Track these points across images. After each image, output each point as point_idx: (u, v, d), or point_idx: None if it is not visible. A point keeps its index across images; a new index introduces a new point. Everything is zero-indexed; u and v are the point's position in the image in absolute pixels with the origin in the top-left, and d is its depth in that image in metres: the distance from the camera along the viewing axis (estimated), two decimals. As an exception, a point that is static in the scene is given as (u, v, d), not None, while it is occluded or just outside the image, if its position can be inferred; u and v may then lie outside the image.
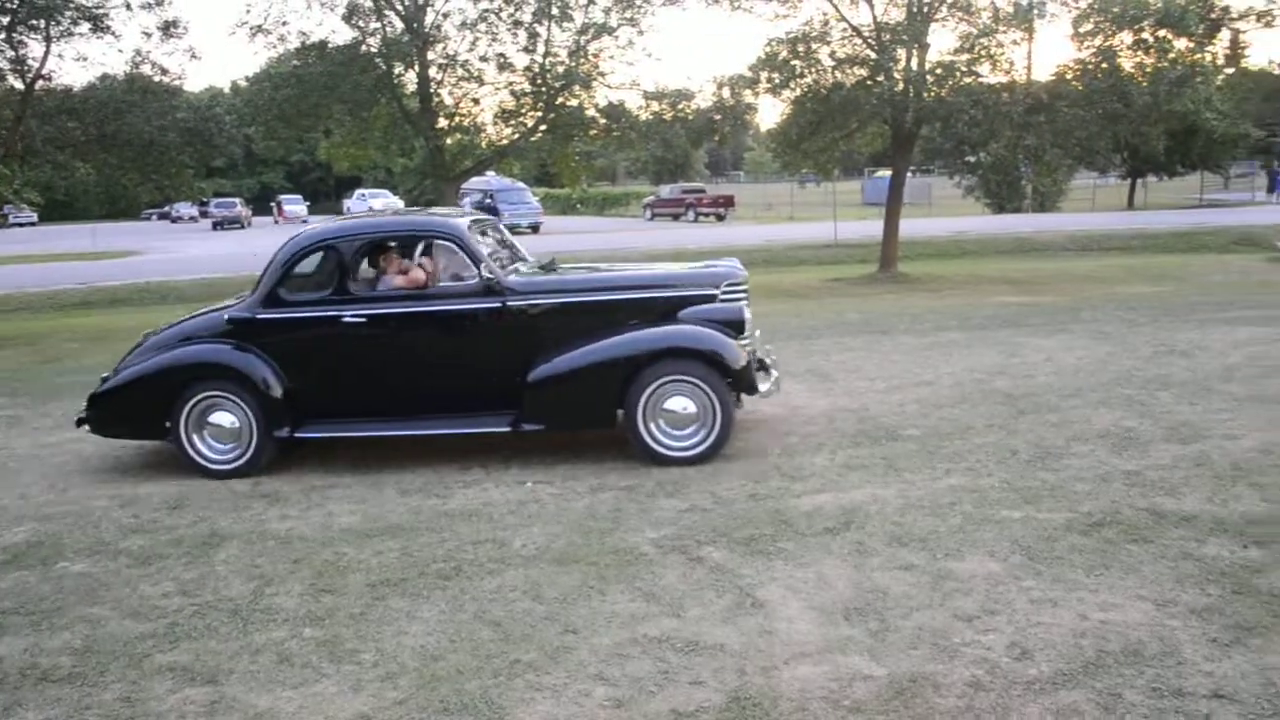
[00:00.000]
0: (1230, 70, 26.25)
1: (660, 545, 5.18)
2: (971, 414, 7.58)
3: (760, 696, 3.66)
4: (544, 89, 17.68)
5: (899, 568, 4.76)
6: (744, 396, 6.93)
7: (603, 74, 18.17)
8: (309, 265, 7.21)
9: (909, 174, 24.60)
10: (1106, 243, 27.18)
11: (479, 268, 6.88)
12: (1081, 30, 18.81)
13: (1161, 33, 18.65)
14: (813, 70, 18.93)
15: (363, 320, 6.87)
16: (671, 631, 4.19)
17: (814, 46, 18.74)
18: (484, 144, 19.14)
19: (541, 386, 6.74)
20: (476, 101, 18.59)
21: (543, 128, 18.28)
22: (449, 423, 6.93)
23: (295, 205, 57.70)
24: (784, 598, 4.48)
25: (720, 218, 45.53)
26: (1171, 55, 19.17)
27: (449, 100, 18.31)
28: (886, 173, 26.39)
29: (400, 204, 52.66)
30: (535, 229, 38.40)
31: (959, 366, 9.53)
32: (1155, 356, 9.65)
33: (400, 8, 17.24)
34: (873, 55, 18.18)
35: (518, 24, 17.29)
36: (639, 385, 6.59)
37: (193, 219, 62.21)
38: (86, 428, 7.16)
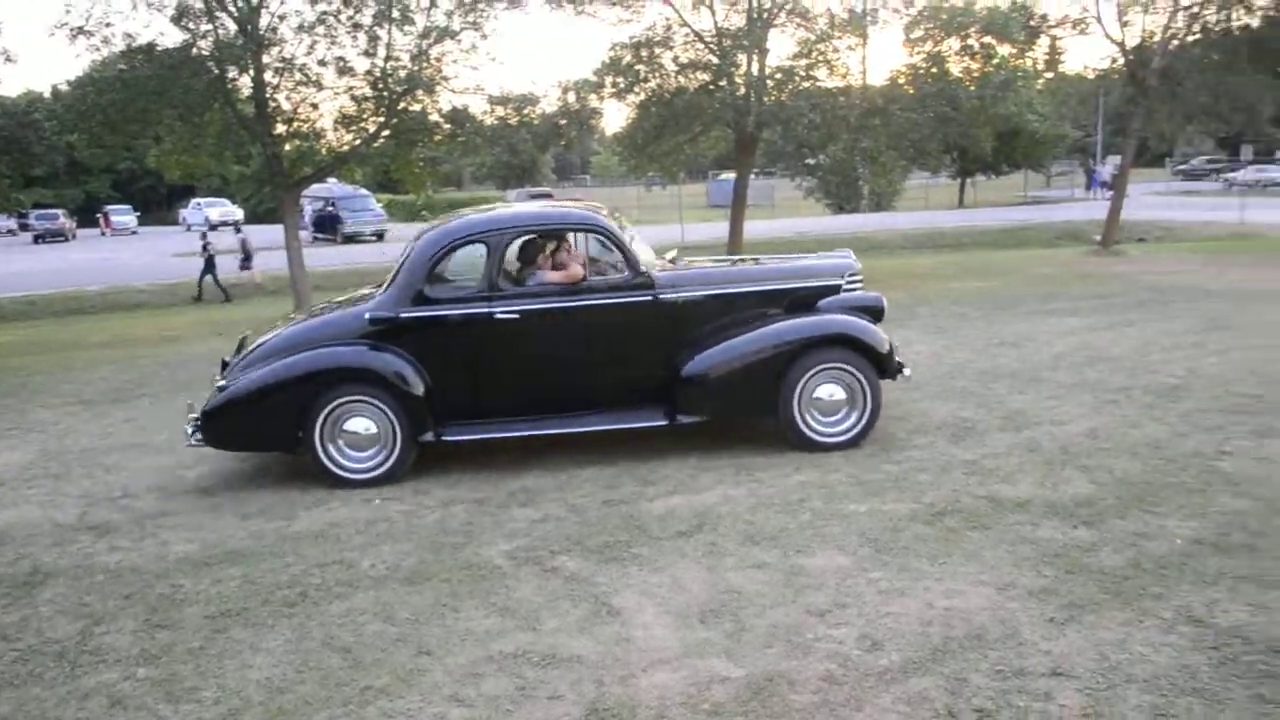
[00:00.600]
0: (1049, 75, 27.62)
1: (514, 557, 5.11)
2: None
3: (619, 706, 3.63)
4: (386, 94, 17.29)
5: (752, 566, 4.81)
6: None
7: (446, 78, 17.89)
8: (454, 261, 6.87)
9: (752, 176, 25.09)
10: (940, 240, 28.33)
11: (630, 261, 6.79)
12: (912, 36, 19.58)
13: (986, 39, 19.57)
14: (656, 75, 19.10)
15: (516, 316, 6.62)
16: (528, 646, 4.13)
17: (657, 51, 18.90)
18: (324, 150, 18.61)
19: (699, 378, 6.69)
20: (315, 107, 18.04)
21: (385, 133, 17.88)
22: (601, 419, 6.75)
23: (123, 216, 54.94)
24: (640, 604, 4.47)
25: (569, 222, 45.46)
26: (996, 60, 20.13)
27: (286, 105, 17.72)
28: (731, 175, 26.85)
29: (239, 213, 50.69)
30: (380, 237, 37.60)
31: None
32: (988, 349, 10.08)
33: (233, 9, 16.61)
34: (715, 60, 18.45)
35: (357, 27, 16.86)
36: (795, 373, 6.65)
37: (11, 232, 58.57)
38: (196, 440, 6.59)
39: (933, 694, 3.59)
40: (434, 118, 18.08)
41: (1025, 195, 50.15)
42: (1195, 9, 22.14)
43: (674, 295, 6.83)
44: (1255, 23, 21.98)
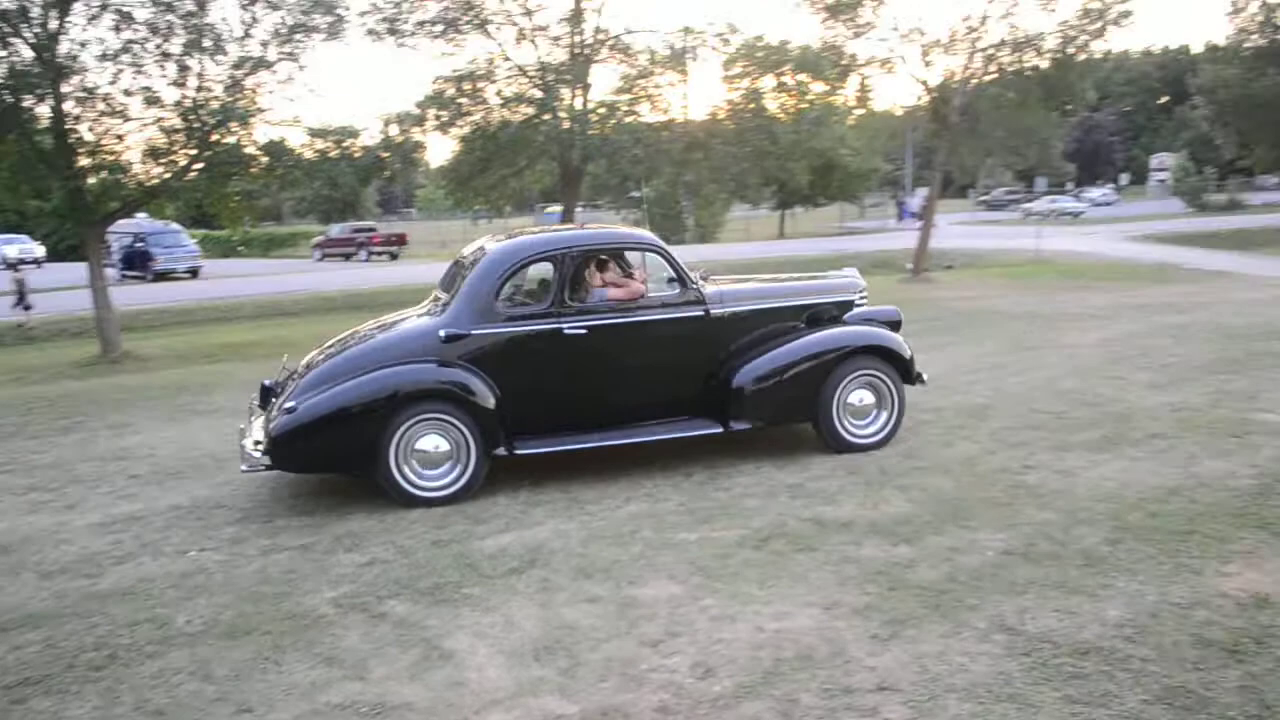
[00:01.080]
0: (860, 111, 28.91)
1: (340, 604, 4.93)
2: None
3: (451, 752, 3.54)
4: (197, 125, 16.64)
5: (585, 600, 4.79)
6: None
7: (262, 110, 17.36)
8: (521, 278, 7.01)
9: (579, 209, 25.26)
10: (762, 269, 29.03)
11: (685, 278, 7.12)
12: (731, 73, 20.19)
13: (801, 77, 20.36)
14: (480, 108, 19.06)
15: (583, 332, 6.78)
16: (356, 696, 3.99)
17: (480, 85, 18.87)
18: (132, 184, 17.74)
19: (749, 387, 7.03)
20: (121, 138, 17.19)
21: (197, 166, 17.18)
22: (660, 429, 7.00)
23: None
24: (472, 645, 4.38)
25: (393, 256, 44.70)
26: (810, 97, 20.96)
27: (90, 136, 16.83)
28: (557, 208, 26.96)
29: (41, 250, 47.61)
30: (194, 274, 36.02)
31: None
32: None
33: (29, 35, 15.67)
34: (539, 94, 18.55)
35: (166, 56, 16.14)
36: (833, 380, 7.16)
37: None
38: (256, 466, 6.43)
39: (765, 717, 3.65)
40: (250, 150, 17.49)
41: (841, 226, 52.24)
42: (991, 51, 23.60)
43: (722, 310, 7.20)
44: (1045, 64, 23.59)
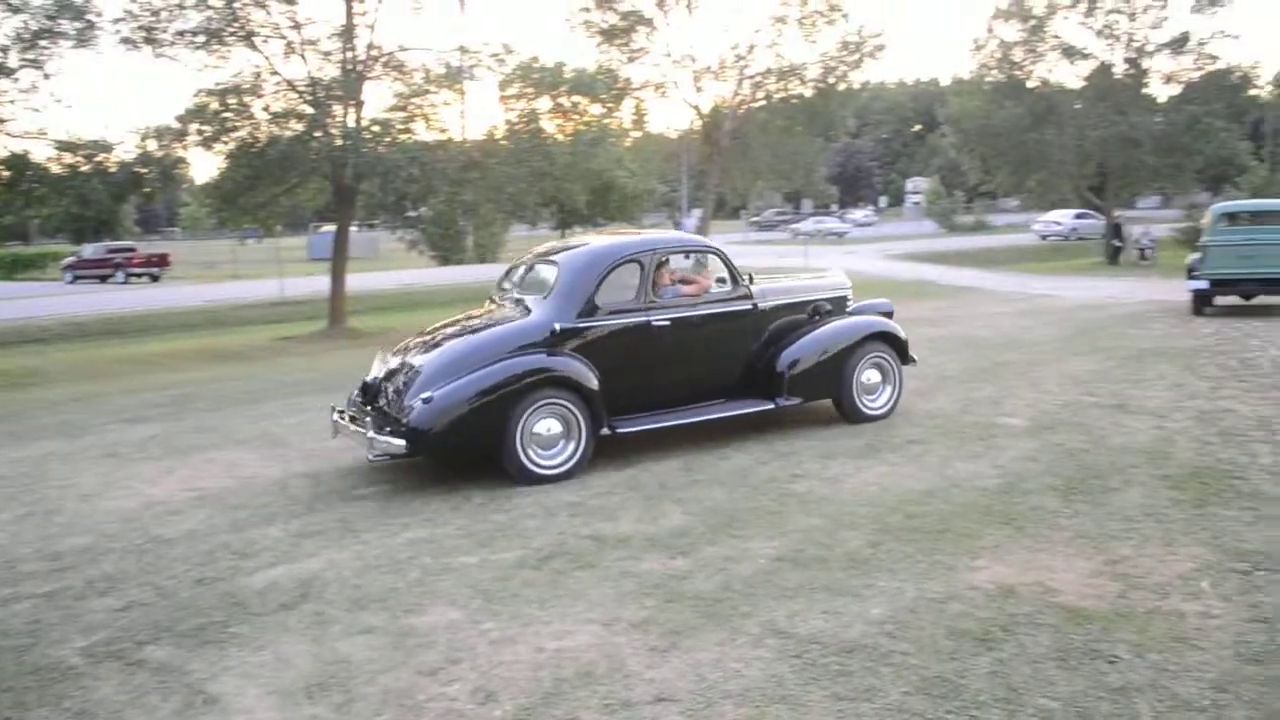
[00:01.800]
0: (637, 134, 29.54)
1: (92, 654, 4.57)
2: (424, 465, 7.64)
3: (214, 801, 3.34)
4: (-77, 138, 15.24)
5: (361, 632, 4.64)
6: None
7: (2, 120, 16.05)
8: (614, 276, 7.65)
9: (354, 228, 24.62)
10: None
11: (737, 277, 8.26)
12: (507, 93, 20.16)
13: (576, 98, 20.57)
14: (247, 123, 18.26)
15: (667, 323, 7.75)
16: (106, 749, 3.71)
17: (247, 99, 18.09)
18: None
19: (793, 368, 8.18)
20: None
21: (-77, 182, 15.74)
22: (723, 408, 8.04)
23: None
24: (240, 687, 4.16)
25: (155, 278, 42.20)
26: (586, 119, 21.21)
27: None
28: (332, 227, 26.19)
29: None
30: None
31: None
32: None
33: None
34: (309, 110, 17.96)
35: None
36: (853, 361, 8.47)
37: None
38: (383, 456, 6.91)
39: (545, 738, 3.62)
40: (-13, 165, 16.15)
41: (621, 246, 53.00)
42: (759, 79, 24.66)
43: (765, 304, 8.39)
44: (809, 93, 24.84)
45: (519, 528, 6.01)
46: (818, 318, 8.69)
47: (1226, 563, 5.00)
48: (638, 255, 7.80)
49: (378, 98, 19.92)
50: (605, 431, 7.32)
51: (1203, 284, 16.37)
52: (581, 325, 7.44)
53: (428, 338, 7.83)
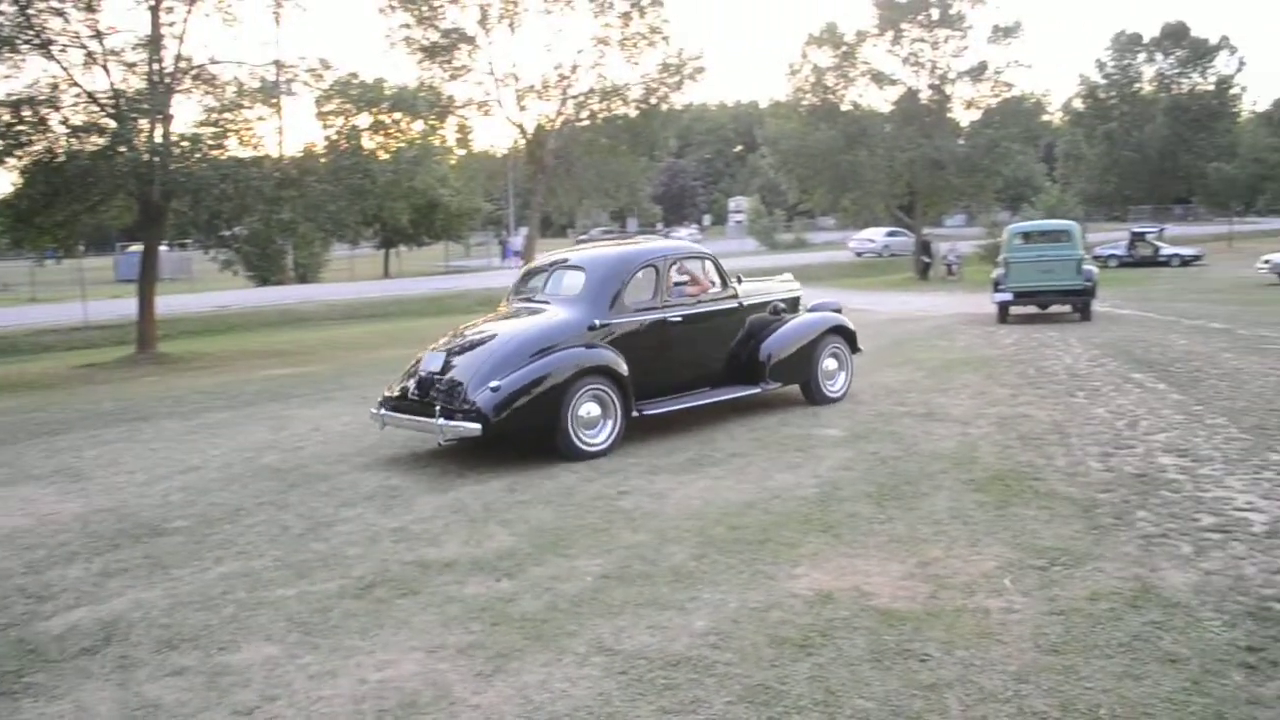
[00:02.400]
0: (461, 152, 29.26)
1: None
2: (242, 495, 7.36)
3: None
4: None
5: (170, 674, 4.40)
6: None
7: None
8: (636, 279, 8.84)
9: (165, 248, 23.49)
10: (367, 310, 28.59)
11: (726, 279, 9.65)
12: (325, 110, 19.65)
13: (398, 115, 20.22)
14: (43, 137, 17.18)
15: (680, 319, 9.03)
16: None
17: (43, 111, 17.01)
18: None
19: (773, 358, 9.56)
20: None
21: None
22: (721, 392, 9.34)
23: None
24: (31, 739, 3.88)
25: (-59, 303, 39.24)
26: (409, 136, 20.88)
27: None
28: (139, 247, 24.92)
29: None
30: None
31: (227, 447, 9.23)
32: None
33: None
34: (112, 124, 17.04)
35: None
36: (819, 351, 10.02)
37: None
38: (471, 434, 7.61)
39: (367, 773, 3.52)
40: None
41: (447, 265, 52.42)
42: (582, 99, 24.82)
43: (746, 302, 9.76)
44: (632, 113, 25.16)
45: (340, 556, 5.83)
46: (780, 315, 10.04)
47: (1026, 560, 5.29)
48: (653, 260, 9.06)
49: (187, 112, 19.14)
50: (634, 414, 8.39)
51: (1007, 295, 18.57)
52: (613, 321, 8.55)
53: (463, 338, 8.65)
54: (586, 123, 25.20)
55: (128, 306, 23.07)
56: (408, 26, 23.53)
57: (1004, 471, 7.13)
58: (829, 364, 10.14)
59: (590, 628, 4.62)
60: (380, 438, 9.17)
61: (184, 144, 17.60)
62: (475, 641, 4.54)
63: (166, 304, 22.65)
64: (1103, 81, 78.37)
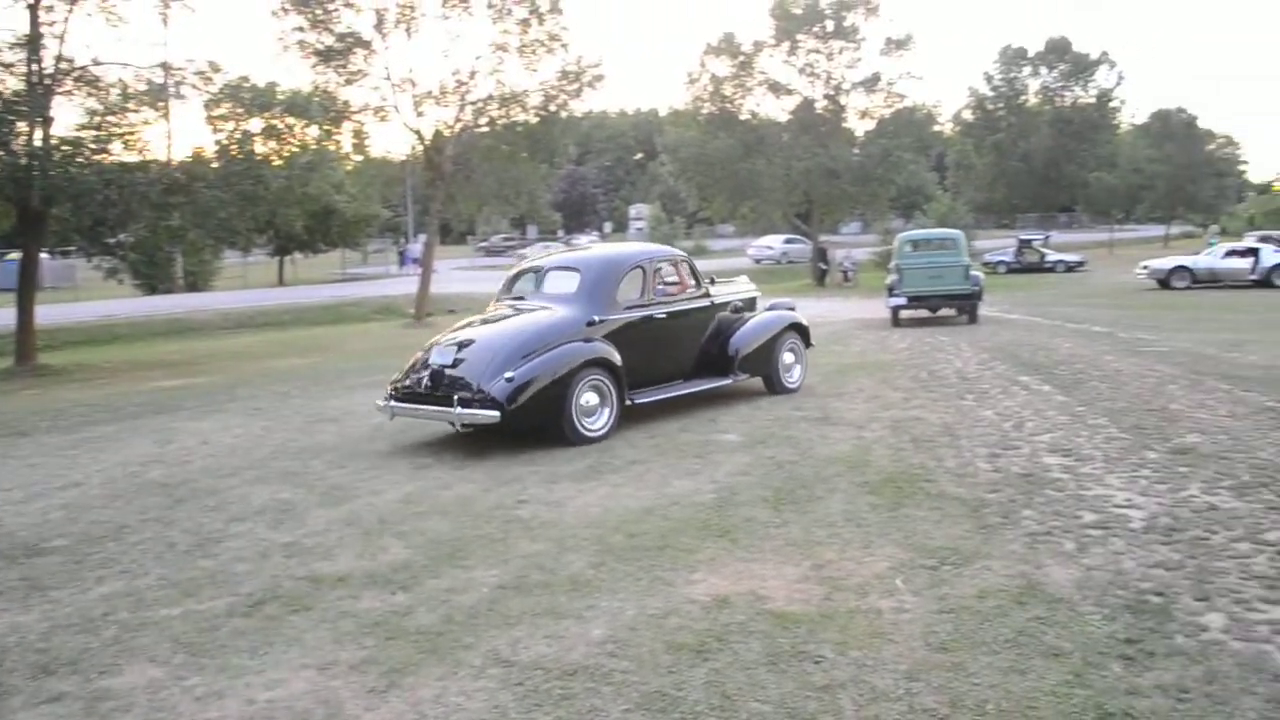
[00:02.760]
0: (358, 158, 28.79)
1: None
2: (126, 511, 7.10)
3: None
4: None
5: (47, 701, 4.21)
6: None
7: None
8: (627, 279, 9.64)
9: (47, 256, 22.61)
10: (261, 319, 27.93)
11: (700, 280, 10.54)
12: (215, 114, 19.15)
13: (291, 120, 19.81)
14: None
15: (665, 315, 9.87)
16: None
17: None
18: None
19: (741, 352, 10.48)
20: None
21: None
22: (699, 383, 10.20)
23: None
24: (-108, 774, 3.68)
25: None
26: (303, 142, 20.47)
27: None
28: (17, 255, 23.92)
29: None
30: None
31: (111, 461, 8.91)
32: (308, 426, 10.09)
33: None
34: (-13, 127, 16.34)
35: None
36: (779, 345, 10.96)
37: None
38: (490, 421, 8.22)
39: (254, 796, 3.42)
40: None
41: (344, 272, 51.53)
42: (481, 105, 24.62)
43: (718, 300, 10.70)
44: (532, 120, 25.04)
45: (228, 573, 5.67)
46: (740, 314, 10.97)
47: (917, 560, 5.40)
48: (641, 263, 9.95)
49: (69, 115, 18.42)
50: (627, 402, 9.12)
51: (901, 300, 19.70)
52: (608, 318, 9.30)
53: (468, 334, 9.20)
54: (485, 129, 25.01)
55: (5, 317, 22.13)
56: (301, 30, 23.02)
57: (896, 474, 7.28)
58: (787, 358, 11.08)
59: (486, 639, 4.57)
60: (272, 450, 8.96)
61: (65, 148, 16.98)
62: (368, 657, 4.45)
63: (48, 314, 21.78)
64: (990, 94, 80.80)
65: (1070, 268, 39.94)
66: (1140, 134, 70.39)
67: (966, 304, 19.64)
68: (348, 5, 23.15)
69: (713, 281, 10.96)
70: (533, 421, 8.56)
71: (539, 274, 10.12)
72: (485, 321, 9.56)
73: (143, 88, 17.91)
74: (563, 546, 5.85)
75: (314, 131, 21.57)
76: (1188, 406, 9.42)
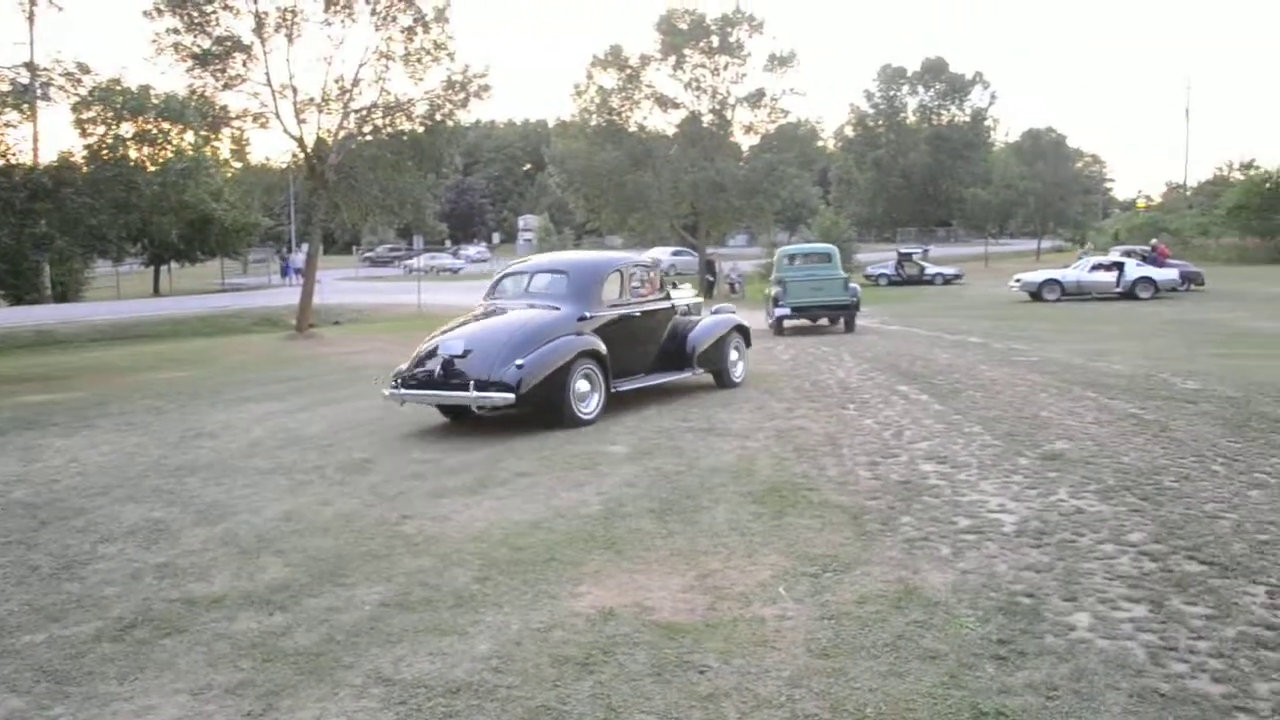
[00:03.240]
0: (237, 165, 28.01)
1: None
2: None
3: None
4: None
5: (-107, 735, 3.99)
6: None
7: None
8: (609, 281, 11.10)
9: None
10: (135, 330, 26.95)
11: (663, 285, 12.16)
12: (85, 117, 18.40)
13: (166, 125, 19.17)
14: None
15: (639, 314, 11.29)
16: None
17: None
18: None
19: (697, 349, 11.85)
20: None
21: None
22: (662, 375, 11.59)
23: None
24: None
25: None
26: (179, 147, 19.82)
27: None
28: None
29: None
30: None
31: (-31, 481, 8.47)
32: (183, 442, 9.76)
33: None
34: None
35: None
36: (726, 344, 12.42)
37: None
38: (505, 404, 9.55)
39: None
40: None
41: (223, 283, 50.11)
42: (365, 113, 24.21)
43: (677, 303, 12.22)
44: (418, 129, 24.72)
45: (96, 597, 5.44)
46: (690, 317, 12.41)
47: (800, 568, 5.50)
48: (619, 267, 11.40)
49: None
50: (613, 389, 10.38)
51: (786, 311, 20.92)
52: (596, 314, 10.63)
53: (470, 329, 10.41)
54: (370, 138, 24.60)
55: None
56: (176, 32, 22.30)
57: (780, 483, 7.39)
58: (733, 355, 12.55)
59: (368, 658, 4.48)
60: (144, 468, 8.65)
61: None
62: (245, 680, 4.32)
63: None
64: (871, 111, 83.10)
65: (948, 280, 41.20)
66: (1013, 152, 73.15)
67: (846, 314, 20.86)
68: (226, 8, 22.52)
69: (675, 286, 12.83)
70: (538, 403, 9.76)
71: (525, 276, 11.51)
72: (482, 317, 10.77)
73: (5, 88, 17.15)
74: (447, 562, 5.78)
75: (190, 137, 20.89)
76: (1057, 414, 9.80)
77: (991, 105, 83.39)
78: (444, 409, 10.44)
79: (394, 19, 23.67)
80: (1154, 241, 38.64)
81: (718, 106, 37.19)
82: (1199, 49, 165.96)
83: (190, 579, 5.66)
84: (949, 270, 42.50)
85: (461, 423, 10.44)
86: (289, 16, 22.93)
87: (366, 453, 8.94)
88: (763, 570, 5.48)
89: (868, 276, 41.60)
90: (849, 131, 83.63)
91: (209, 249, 47.67)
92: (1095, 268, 30.44)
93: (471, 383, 9.52)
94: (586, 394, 10.06)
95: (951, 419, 9.72)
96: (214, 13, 22.42)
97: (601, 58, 36.61)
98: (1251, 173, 56.56)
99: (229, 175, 32.02)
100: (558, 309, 10.44)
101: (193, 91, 22.27)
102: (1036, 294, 29.77)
